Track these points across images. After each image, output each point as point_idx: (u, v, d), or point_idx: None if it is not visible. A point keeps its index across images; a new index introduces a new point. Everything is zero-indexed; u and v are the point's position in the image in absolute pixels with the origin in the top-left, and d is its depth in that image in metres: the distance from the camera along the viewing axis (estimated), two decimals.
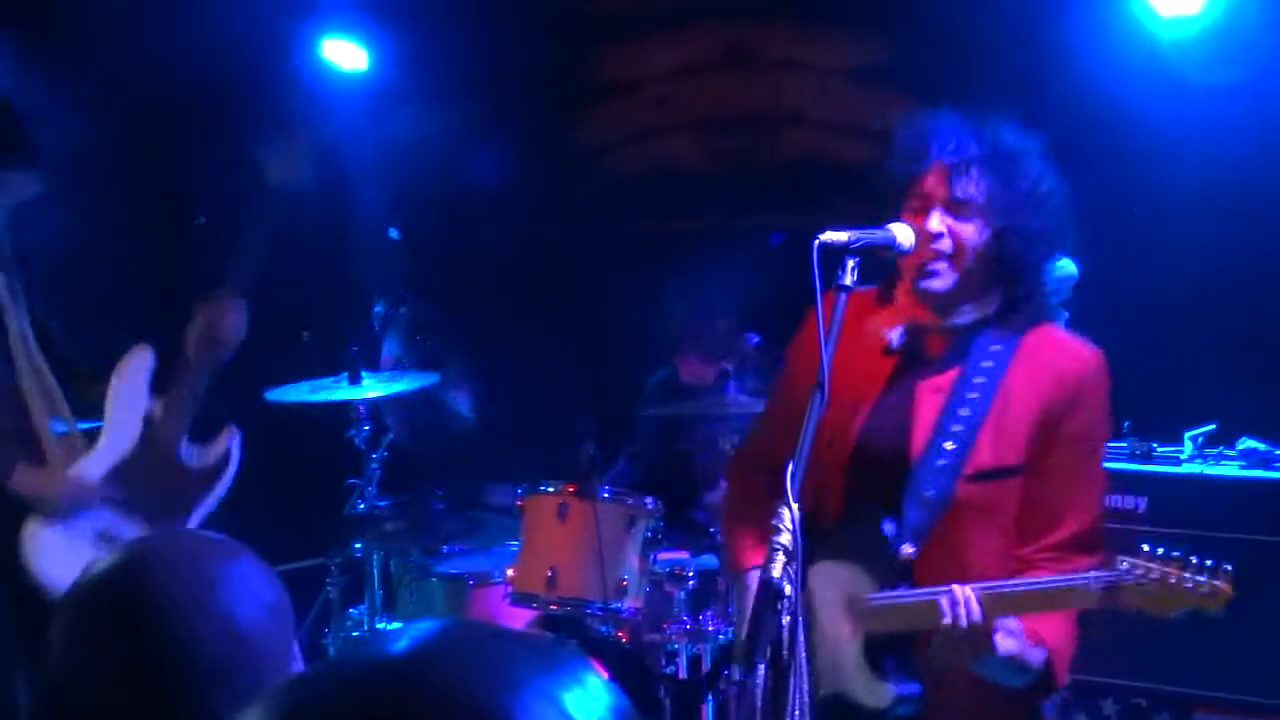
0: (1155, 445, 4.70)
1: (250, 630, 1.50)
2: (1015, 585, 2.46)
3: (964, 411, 2.59)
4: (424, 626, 0.87)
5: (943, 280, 2.63)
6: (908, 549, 2.57)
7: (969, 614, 2.41)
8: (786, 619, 2.07)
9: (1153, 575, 2.31)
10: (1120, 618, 4.35)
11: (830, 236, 2.41)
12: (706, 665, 4.41)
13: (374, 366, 5.14)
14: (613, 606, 4.33)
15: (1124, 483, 4.48)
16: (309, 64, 6.25)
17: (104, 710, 1.45)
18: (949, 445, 2.58)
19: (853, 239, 2.44)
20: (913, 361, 2.71)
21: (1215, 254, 5.03)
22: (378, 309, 5.69)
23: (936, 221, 2.60)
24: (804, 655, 2.15)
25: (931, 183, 2.63)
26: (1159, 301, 5.09)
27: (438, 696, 0.78)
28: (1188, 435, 4.66)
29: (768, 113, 6.27)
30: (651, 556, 4.45)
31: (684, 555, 4.77)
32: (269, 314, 6.22)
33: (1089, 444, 2.65)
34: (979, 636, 2.41)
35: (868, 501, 2.62)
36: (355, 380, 4.77)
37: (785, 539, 2.13)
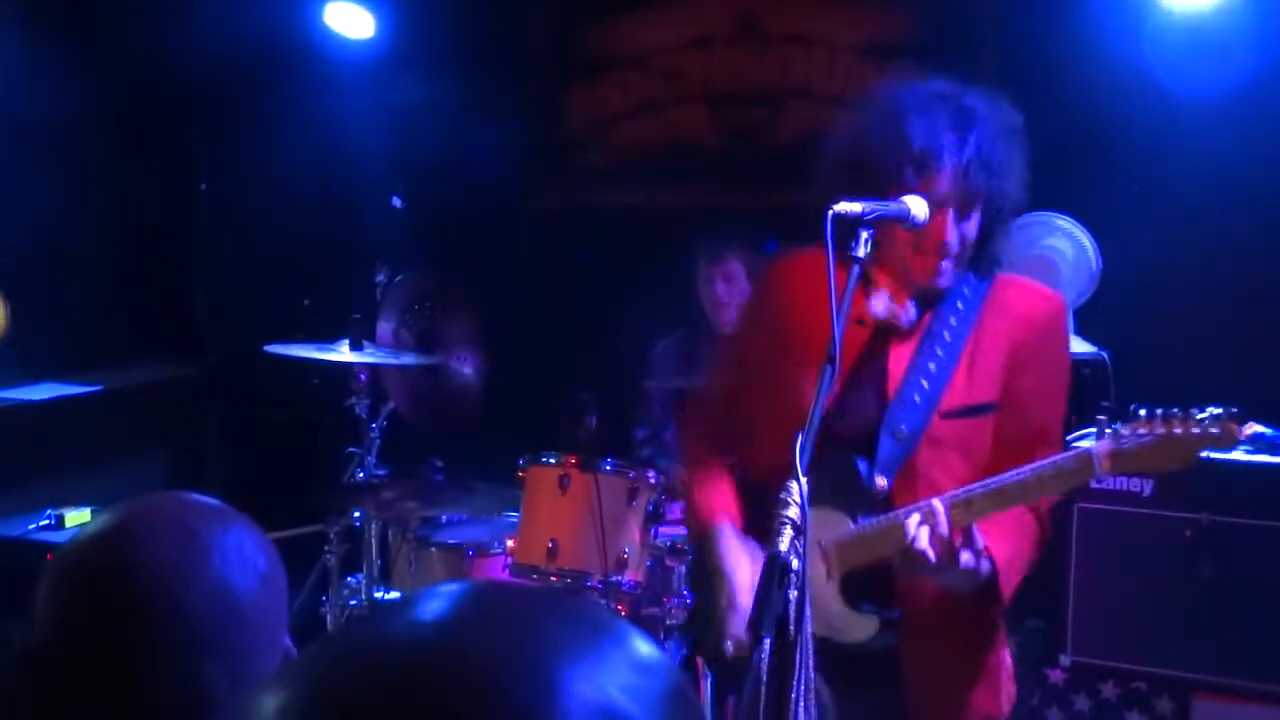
0: None
1: (243, 598, 1.47)
2: (1014, 475, 2.48)
3: (939, 352, 2.68)
4: (456, 592, 0.79)
5: (948, 278, 2.71)
6: (880, 481, 2.63)
7: (936, 529, 2.47)
8: (794, 594, 2.05)
9: (1157, 431, 2.29)
10: (1121, 600, 4.36)
11: (844, 207, 2.38)
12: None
13: (372, 338, 5.10)
14: (612, 579, 4.32)
15: None
16: (313, 31, 6.21)
17: (90, 677, 1.43)
18: (924, 383, 2.66)
19: (866, 210, 2.42)
20: (886, 326, 2.76)
21: (1226, 240, 5.00)
22: (379, 277, 5.66)
23: (951, 231, 2.64)
24: (809, 631, 2.12)
25: (942, 186, 2.61)
26: (1169, 287, 5.06)
27: (470, 684, 0.71)
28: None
29: (777, 87, 6.22)
30: (653, 530, 4.44)
31: (685, 530, 4.75)
32: (271, 281, 6.22)
33: (1056, 379, 2.74)
34: (944, 552, 2.46)
35: (842, 447, 2.65)
36: (356, 346, 4.74)
37: (793, 513, 2.11)
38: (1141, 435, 2.30)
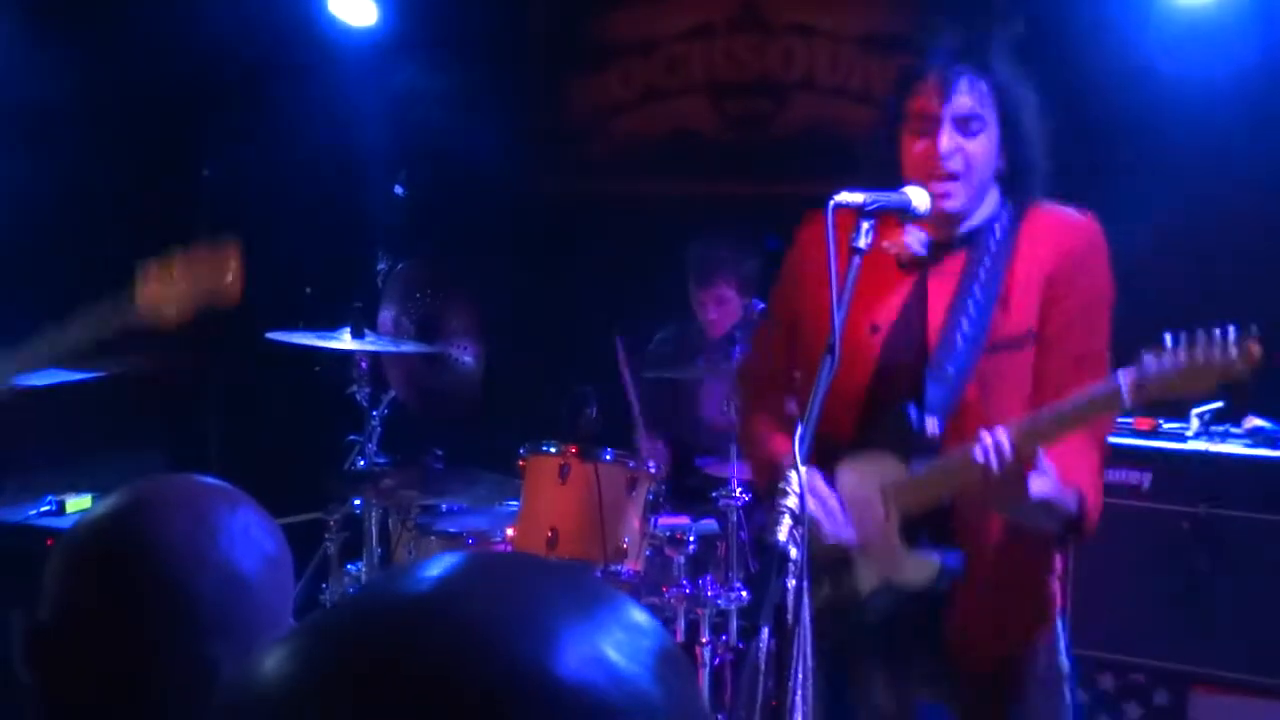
0: (1161, 421, 4.67)
1: (250, 579, 1.47)
2: (1047, 411, 2.49)
3: (976, 290, 2.67)
4: (451, 560, 0.80)
5: (955, 200, 2.67)
6: (931, 424, 2.62)
7: (1001, 453, 2.44)
8: (792, 583, 2.06)
9: (1180, 359, 2.29)
10: (1119, 592, 4.36)
11: (845, 198, 2.39)
12: (706, 632, 4.40)
13: (373, 327, 5.10)
14: (612, 569, 4.32)
15: (1128, 458, 4.46)
16: (316, 18, 6.20)
17: (97, 656, 1.43)
18: (965, 323, 2.65)
19: (867, 200, 2.43)
20: (924, 266, 2.76)
21: (1225, 230, 4.99)
22: (381, 265, 5.65)
23: (947, 141, 2.63)
24: (808, 620, 2.13)
25: (929, 98, 2.65)
26: (1167, 276, 5.05)
27: (467, 639, 0.73)
28: (1194, 412, 4.63)
29: (779, 78, 6.22)
30: (652, 520, 4.44)
31: (684, 519, 4.75)
32: (272, 268, 6.21)
33: (1093, 308, 2.70)
34: (1012, 478, 2.44)
35: (891, 398, 2.67)
36: (358, 334, 4.74)
37: (792, 502, 2.12)
38: (1164, 364, 2.30)
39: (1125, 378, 2.35)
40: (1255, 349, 2.24)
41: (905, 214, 2.56)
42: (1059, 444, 2.52)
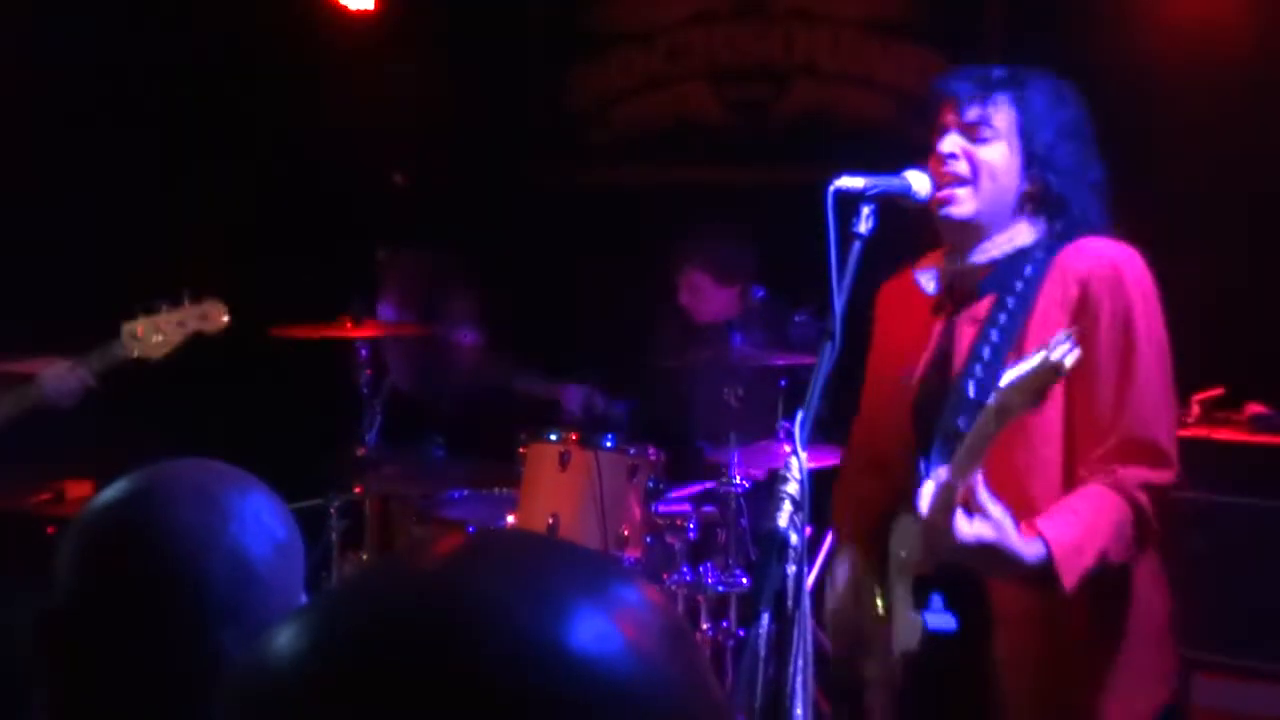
0: None
1: (260, 566, 1.46)
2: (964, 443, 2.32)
3: (994, 336, 2.52)
4: (463, 537, 0.82)
5: (962, 206, 2.56)
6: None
7: (938, 491, 2.32)
8: (792, 569, 2.05)
9: (1024, 370, 2.16)
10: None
11: (845, 183, 2.38)
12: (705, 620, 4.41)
13: (373, 315, 5.10)
14: (612, 556, 4.32)
15: None
16: (314, 4, 6.19)
17: (106, 644, 1.43)
18: (979, 371, 2.50)
19: (868, 186, 2.42)
20: (956, 306, 2.65)
21: (1225, 220, 4.98)
22: (380, 254, 5.65)
23: (949, 143, 2.57)
24: (808, 605, 2.13)
25: (945, 113, 2.60)
26: (1168, 264, 5.04)
27: (481, 613, 0.74)
28: (1195, 399, 4.63)
29: (781, 64, 6.20)
30: (652, 507, 4.44)
31: (685, 506, 4.75)
32: (271, 255, 6.21)
33: (1126, 344, 2.46)
34: (941, 518, 2.29)
35: (916, 447, 2.55)
36: (357, 322, 4.74)
37: (792, 488, 2.11)
38: (1012, 379, 2.17)
39: (994, 402, 2.20)
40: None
41: (906, 199, 2.54)
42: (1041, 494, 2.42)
